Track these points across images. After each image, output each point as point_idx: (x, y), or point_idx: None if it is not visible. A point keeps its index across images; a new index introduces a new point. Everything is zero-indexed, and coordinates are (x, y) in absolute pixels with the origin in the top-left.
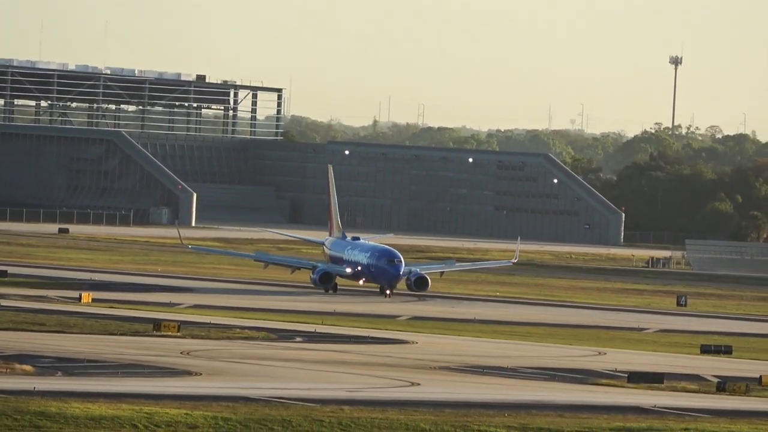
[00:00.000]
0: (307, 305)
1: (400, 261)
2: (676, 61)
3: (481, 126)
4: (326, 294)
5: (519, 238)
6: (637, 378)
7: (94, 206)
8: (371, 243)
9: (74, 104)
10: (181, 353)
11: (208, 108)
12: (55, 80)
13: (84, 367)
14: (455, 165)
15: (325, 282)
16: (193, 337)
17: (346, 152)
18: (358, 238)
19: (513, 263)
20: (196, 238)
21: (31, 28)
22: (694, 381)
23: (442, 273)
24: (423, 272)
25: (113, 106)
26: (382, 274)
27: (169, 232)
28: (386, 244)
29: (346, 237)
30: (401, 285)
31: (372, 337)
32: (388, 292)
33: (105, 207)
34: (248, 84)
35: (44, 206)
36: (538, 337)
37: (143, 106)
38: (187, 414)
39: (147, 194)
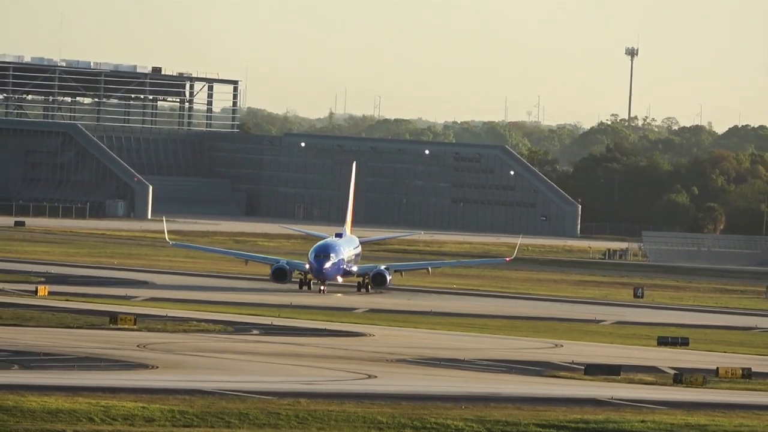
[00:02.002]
0: (265, 298)
1: (326, 257)
2: (632, 53)
3: (437, 118)
4: (299, 290)
5: (521, 235)
6: (594, 370)
7: (50, 199)
8: (329, 239)
9: (30, 97)
10: (137, 346)
11: (164, 100)
12: (11, 73)
13: (40, 360)
14: (412, 157)
15: (279, 278)
16: (149, 330)
17: (303, 144)
18: (341, 235)
19: (507, 261)
20: (152, 231)
21: None
22: (651, 373)
23: (428, 270)
24: (383, 268)
25: (69, 99)
26: (312, 268)
27: (126, 225)
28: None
29: (345, 233)
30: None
31: (329, 330)
32: (321, 287)
33: (61, 200)
34: (204, 76)
35: (0, 199)
36: (495, 330)
37: (99, 99)
38: (143, 407)
39: (103, 187)
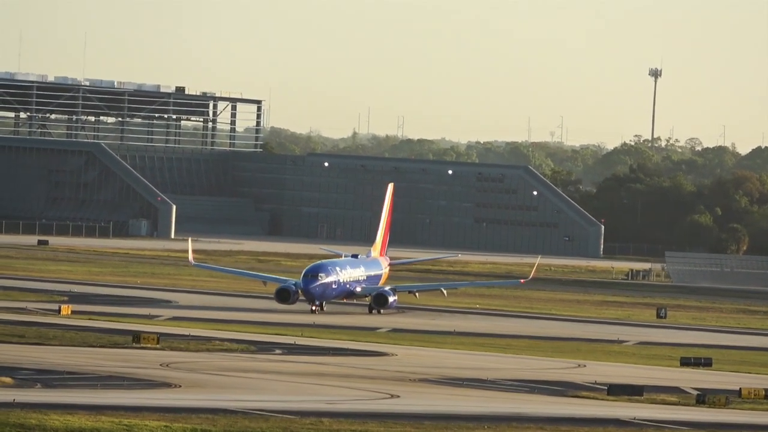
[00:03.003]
0: (288, 318)
1: (314, 277)
2: (655, 74)
3: (460, 138)
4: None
5: (539, 256)
6: (617, 390)
7: (74, 218)
8: (325, 260)
9: (53, 116)
10: (160, 365)
11: (188, 120)
12: (34, 92)
13: (63, 379)
14: (435, 177)
15: (283, 298)
16: (172, 349)
17: (326, 164)
18: (357, 256)
19: (522, 282)
20: (175, 250)
21: (9, 40)
22: (674, 393)
23: (443, 291)
24: (387, 289)
25: (92, 118)
26: (300, 288)
27: (149, 244)
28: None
29: (371, 253)
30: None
31: (352, 350)
32: (312, 307)
33: (84, 219)
34: (227, 96)
35: (23, 218)
36: (518, 350)
37: (122, 118)
38: (166, 426)
39: (126, 206)
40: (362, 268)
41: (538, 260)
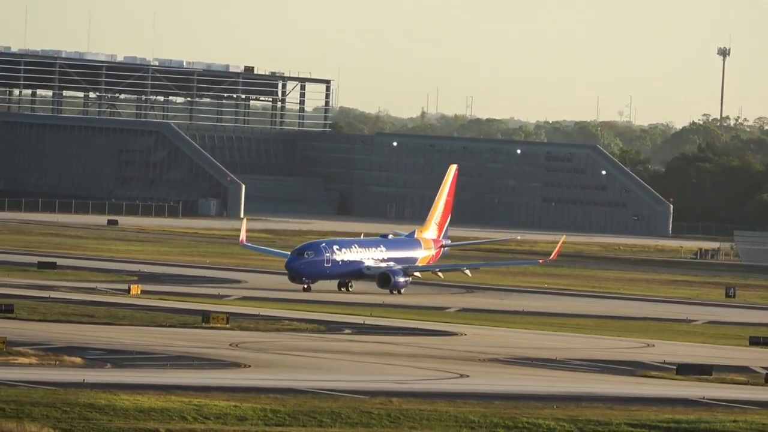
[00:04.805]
0: (356, 298)
1: (300, 255)
2: (724, 53)
3: (529, 117)
4: (339, 291)
5: (564, 236)
6: (686, 370)
7: (143, 198)
8: (355, 238)
9: (123, 96)
10: (230, 345)
11: (257, 99)
12: (104, 72)
13: (133, 359)
14: (503, 156)
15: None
16: (241, 329)
17: (395, 144)
18: (386, 236)
19: (541, 263)
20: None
21: (79, 20)
22: (743, 373)
23: (466, 271)
24: (396, 269)
25: (161, 98)
26: (286, 266)
27: (219, 224)
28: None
29: (414, 234)
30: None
31: (421, 329)
32: (303, 286)
33: (154, 198)
34: (296, 75)
35: (93, 198)
36: (587, 329)
37: (191, 98)
38: (236, 406)
39: (195, 186)
40: (381, 248)
41: (563, 240)
